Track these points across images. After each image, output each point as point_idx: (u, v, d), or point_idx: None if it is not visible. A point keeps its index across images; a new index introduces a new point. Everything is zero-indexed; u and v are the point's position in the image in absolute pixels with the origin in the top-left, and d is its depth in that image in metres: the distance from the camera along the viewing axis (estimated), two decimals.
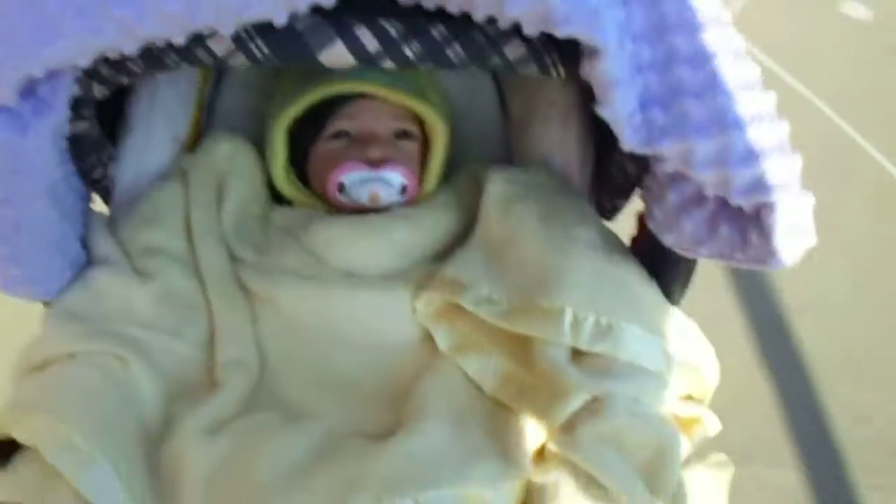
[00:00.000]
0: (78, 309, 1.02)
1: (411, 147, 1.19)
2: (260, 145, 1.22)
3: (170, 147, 1.20)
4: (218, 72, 1.30)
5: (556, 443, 0.93)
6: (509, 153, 1.30)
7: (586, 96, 1.14)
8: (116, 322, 1.01)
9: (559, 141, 1.21)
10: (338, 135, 1.16)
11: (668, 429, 0.94)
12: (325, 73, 1.13)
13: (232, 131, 1.23)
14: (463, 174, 1.20)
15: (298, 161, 1.20)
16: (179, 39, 0.84)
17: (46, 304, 1.06)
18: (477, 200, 1.13)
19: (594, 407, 0.92)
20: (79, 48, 0.84)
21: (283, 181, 1.19)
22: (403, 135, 1.18)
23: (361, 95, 1.15)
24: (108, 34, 0.83)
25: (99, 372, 0.96)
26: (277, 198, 1.22)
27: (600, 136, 1.19)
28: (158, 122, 1.18)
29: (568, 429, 0.92)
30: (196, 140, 1.25)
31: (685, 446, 0.95)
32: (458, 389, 1.00)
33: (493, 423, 0.97)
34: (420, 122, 1.20)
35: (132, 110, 1.17)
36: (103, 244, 1.07)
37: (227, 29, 0.83)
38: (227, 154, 1.18)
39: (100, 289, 1.03)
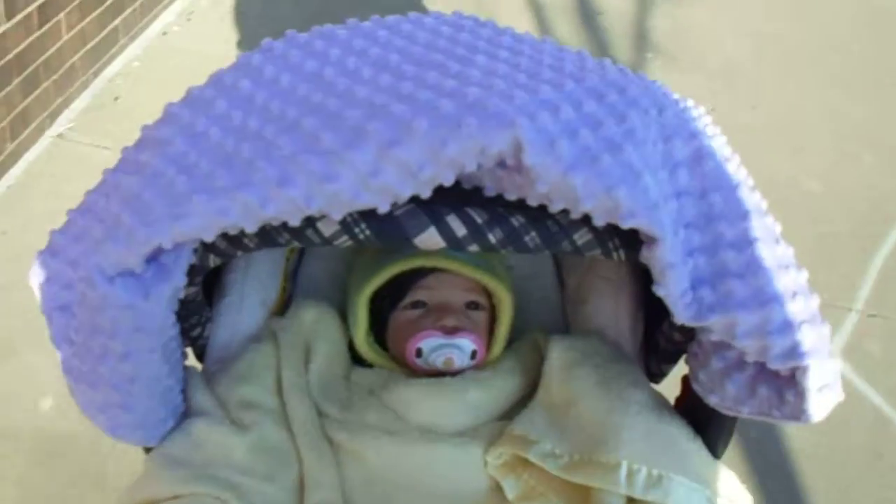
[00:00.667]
0: (180, 455, 1.12)
1: (481, 317, 1.32)
2: (341, 310, 1.35)
3: (259, 311, 1.33)
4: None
5: None
6: (566, 322, 1.44)
7: (637, 273, 1.29)
8: (216, 467, 1.11)
9: (612, 313, 1.35)
10: (415, 304, 1.30)
11: None
12: (402, 249, 1.28)
13: (314, 297, 1.36)
14: (525, 341, 1.34)
15: (378, 327, 1.33)
16: (294, 222, 0.97)
17: (147, 450, 1.16)
18: (537, 365, 1.27)
19: None
20: (206, 225, 0.95)
21: (365, 346, 1.32)
22: (474, 305, 1.31)
23: (436, 269, 1.29)
24: (233, 214, 0.94)
25: None
26: (357, 359, 1.34)
27: (649, 309, 1.33)
28: (251, 289, 1.32)
29: None
30: (282, 305, 1.39)
31: None
32: None
33: None
34: (488, 294, 1.33)
35: (228, 277, 1.31)
36: (202, 397, 1.18)
37: (337, 215, 0.95)
38: (314, 319, 1.31)
39: (200, 437, 1.14)
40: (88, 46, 3.29)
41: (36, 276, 1.09)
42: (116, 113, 3.29)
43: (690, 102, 1.11)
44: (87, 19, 3.23)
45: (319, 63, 1.06)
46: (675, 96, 1.10)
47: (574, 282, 1.44)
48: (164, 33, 3.76)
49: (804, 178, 3.29)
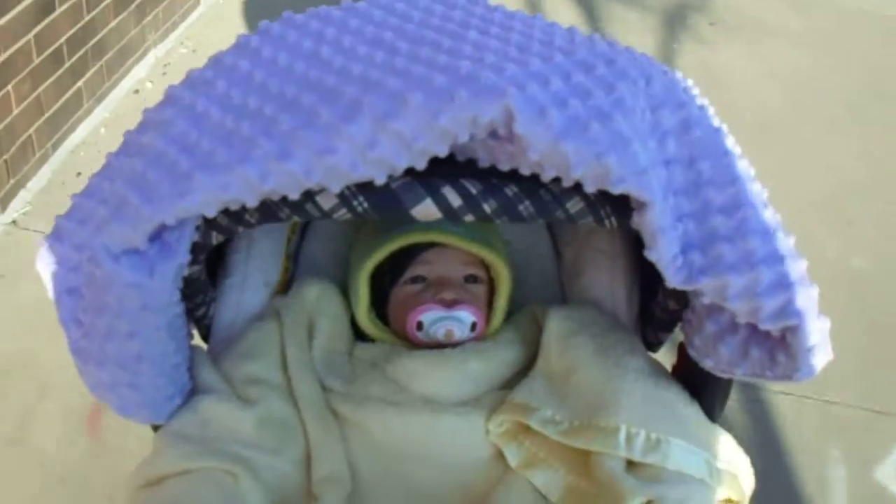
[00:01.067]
0: (188, 431, 1.16)
1: (480, 290, 1.36)
2: (342, 288, 1.39)
3: (263, 291, 1.38)
4: (303, 225, 1.49)
5: None
6: (563, 294, 1.49)
7: (631, 244, 1.33)
8: (224, 442, 1.15)
9: (608, 284, 1.39)
10: (415, 279, 1.34)
11: None
12: (402, 225, 1.33)
13: (318, 276, 1.41)
14: (524, 313, 1.39)
15: (379, 302, 1.37)
16: (294, 195, 1.00)
17: (155, 427, 1.20)
18: (536, 336, 1.31)
19: None
20: (208, 201, 0.99)
21: (367, 321, 1.36)
22: (472, 279, 1.36)
23: (435, 244, 1.33)
24: (234, 189, 0.98)
25: (214, 486, 1.09)
26: (360, 335, 1.39)
27: (644, 279, 1.37)
28: (253, 269, 1.37)
29: None
30: (284, 285, 1.44)
31: None
32: (527, 500, 1.15)
33: None
34: (486, 267, 1.37)
35: (231, 258, 1.36)
36: (208, 375, 1.22)
37: (335, 187, 1.00)
38: (316, 296, 1.36)
39: (207, 413, 1.18)
40: (46, 116, 2.93)
41: (43, 261, 1.12)
42: (79, 190, 2.84)
43: (679, 75, 1.15)
44: (42, 86, 2.87)
45: (315, 42, 1.09)
46: (664, 67, 1.13)
47: (570, 254, 1.48)
48: (136, 91, 3.42)
49: (852, 255, 2.91)
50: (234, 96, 1.05)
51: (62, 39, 2.92)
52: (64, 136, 3.08)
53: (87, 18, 3.05)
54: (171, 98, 1.11)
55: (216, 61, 1.13)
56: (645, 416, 1.14)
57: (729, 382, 1.20)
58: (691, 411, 1.19)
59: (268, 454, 1.16)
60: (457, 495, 1.19)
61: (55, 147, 3.04)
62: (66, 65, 2.99)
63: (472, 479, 1.20)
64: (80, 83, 3.11)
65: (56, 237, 1.13)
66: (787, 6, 4.53)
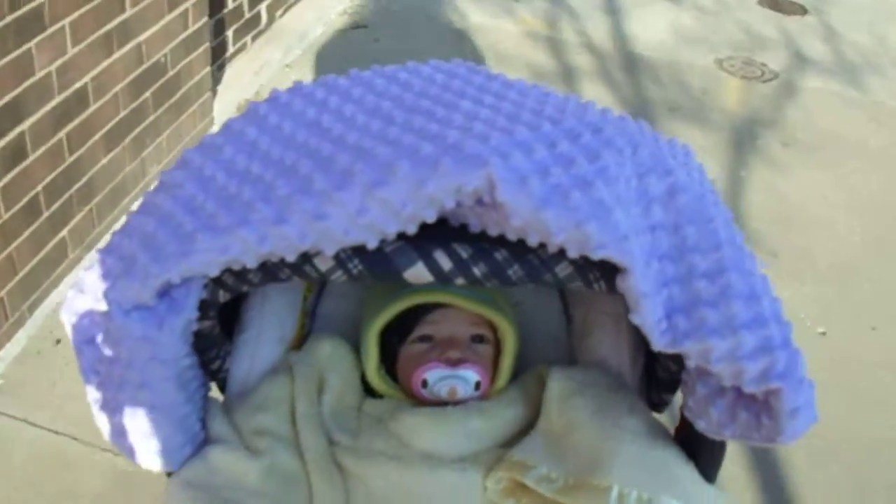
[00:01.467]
0: (196, 479, 1.22)
1: (485, 350, 1.40)
2: (355, 346, 1.44)
3: (277, 347, 1.43)
4: (320, 284, 1.56)
5: None
6: (572, 356, 1.52)
7: None
8: (230, 490, 1.20)
9: (614, 345, 1.43)
10: (422, 338, 1.38)
11: None
12: (411, 286, 1.35)
13: (331, 334, 1.46)
14: (530, 374, 1.42)
15: (388, 360, 1.42)
16: (291, 257, 1.07)
17: (168, 475, 1.26)
18: (540, 396, 1.34)
19: None
20: (210, 261, 1.07)
21: (375, 377, 1.41)
22: (479, 339, 1.39)
23: (442, 305, 1.38)
24: (234, 251, 1.05)
25: None
26: (370, 391, 1.43)
27: (648, 344, 1.38)
28: (268, 325, 1.42)
29: None
30: (300, 341, 1.49)
31: None
32: None
33: None
34: (493, 328, 1.41)
35: (247, 315, 1.42)
36: (220, 426, 1.28)
37: (329, 250, 1.05)
38: (328, 353, 1.41)
39: (216, 462, 1.23)
40: (20, 275, 2.57)
41: (66, 313, 1.19)
42: (58, 361, 2.57)
43: (672, 140, 1.18)
44: (15, 243, 2.51)
45: (318, 111, 1.16)
46: (654, 134, 1.17)
47: (579, 316, 1.51)
48: None
49: None
50: (239, 161, 1.12)
51: (38, 188, 2.58)
52: (43, 295, 2.73)
53: (69, 160, 2.70)
54: (183, 161, 1.18)
55: (227, 127, 1.20)
56: (638, 476, 1.16)
57: (723, 445, 1.22)
58: (686, 471, 1.22)
59: (271, 503, 1.21)
60: None
61: (32, 309, 2.68)
62: (45, 215, 2.64)
63: None
64: (64, 232, 2.76)
65: (79, 289, 1.20)
66: (865, 117, 4.27)
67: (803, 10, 5.39)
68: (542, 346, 1.53)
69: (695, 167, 1.18)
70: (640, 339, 1.39)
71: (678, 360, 1.21)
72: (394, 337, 1.40)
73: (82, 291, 1.20)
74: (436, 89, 1.19)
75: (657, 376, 1.32)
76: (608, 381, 1.35)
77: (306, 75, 4.06)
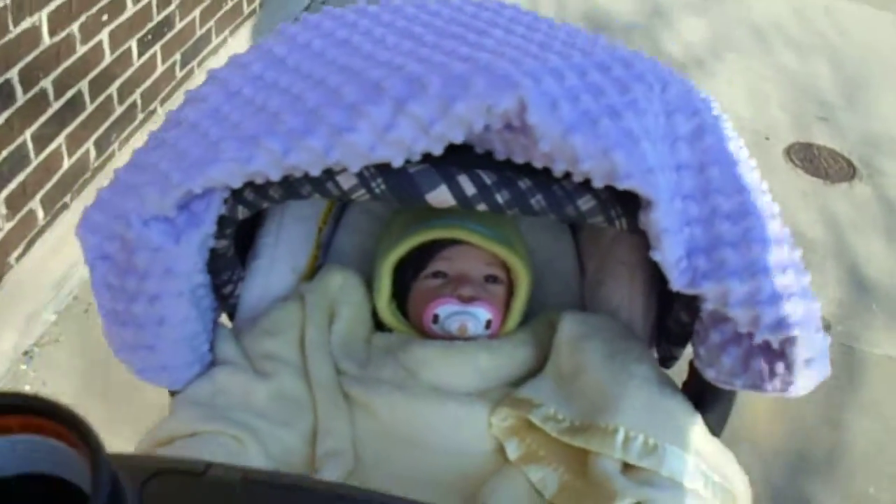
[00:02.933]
0: (202, 398, 1.23)
1: (498, 290, 1.41)
2: (367, 280, 1.46)
3: (289, 277, 1.44)
4: (335, 217, 1.57)
5: None
6: (583, 306, 1.53)
7: (650, 260, 1.37)
8: (235, 410, 1.21)
9: (626, 295, 1.44)
10: (436, 274, 1.40)
11: None
12: (427, 221, 1.39)
13: (344, 266, 1.47)
14: (540, 319, 1.43)
15: (400, 295, 1.43)
16: (315, 172, 1.07)
17: (172, 393, 1.27)
18: (550, 340, 1.36)
19: None
20: (233, 171, 1.06)
21: (387, 312, 1.42)
22: (492, 279, 1.41)
23: (458, 241, 1.39)
24: (258, 161, 1.05)
25: (218, 447, 1.15)
26: (379, 326, 1.45)
27: (661, 295, 1.41)
28: (282, 254, 1.43)
29: None
30: (311, 272, 1.50)
31: None
32: (522, 494, 1.19)
33: None
34: (507, 269, 1.43)
35: (261, 241, 1.43)
36: (228, 348, 1.29)
37: (354, 167, 1.06)
38: (339, 284, 1.42)
39: (222, 383, 1.24)
40: None
41: (82, 229, 1.20)
42: None
43: (696, 86, 1.19)
44: None
45: (349, 31, 1.17)
46: (681, 77, 1.18)
47: (593, 265, 1.53)
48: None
49: None
50: (267, 77, 1.13)
51: None
52: None
53: None
54: (210, 78, 1.19)
55: (256, 47, 1.21)
56: (645, 422, 1.17)
57: (731, 399, 1.24)
58: (693, 422, 1.22)
59: (276, 426, 1.21)
60: (455, 482, 1.22)
61: None
62: None
63: (471, 468, 1.24)
64: None
65: (96, 207, 1.20)
66: None
67: (851, 173, 3.76)
68: (555, 294, 1.55)
69: (719, 116, 1.19)
70: (652, 291, 1.41)
71: (691, 311, 1.22)
72: (407, 272, 1.41)
73: (98, 207, 1.21)
74: (466, 18, 1.20)
75: (668, 329, 1.33)
76: (619, 328, 1.36)
77: None
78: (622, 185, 1.02)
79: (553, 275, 1.56)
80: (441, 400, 1.26)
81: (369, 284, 1.45)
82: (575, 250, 1.59)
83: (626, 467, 1.16)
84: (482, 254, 1.40)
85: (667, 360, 1.38)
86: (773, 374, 1.09)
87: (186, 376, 1.25)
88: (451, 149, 1.06)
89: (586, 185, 1.08)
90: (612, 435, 1.15)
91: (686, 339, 1.30)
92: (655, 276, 1.41)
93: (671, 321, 1.30)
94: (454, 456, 1.25)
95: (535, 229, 1.58)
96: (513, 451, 1.22)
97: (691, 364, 1.26)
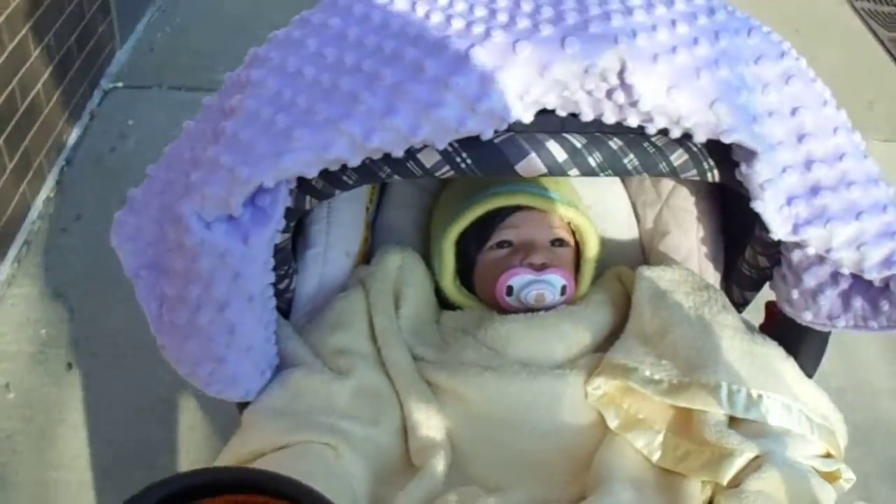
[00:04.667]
0: (280, 405, 1.17)
1: (567, 253, 1.39)
2: (423, 256, 1.41)
3: (344, 262, 1.39)
4: (380, 194, 1.52)
5: (725, 497, 1.08)
6: (645, 257, 1.52)
7: (715, 203, 1.35)
8: (319, 415, 1.15)
9: (693, 243, 1.42)
10: (501, 244, 1.36)
11: (818, 480, 1.10)
12: (486, 189, 1.35)
13: (400, 245, 1.43)
14: (609, 275, 1.41)
15: (463, 270, 1.40)
16: (398, 153, 1.01)
17: (242, 406, 1.20)
18: (624, 298, 1.34)
19: (756, 464, 1.09)
20: (311, 159, 0.99)
21: (452, 288, 1.39)
22: (559, 242, 1.38)
23: (520, 208, 1.35)
24: (337, 147, 0.98)
25: (315, 458, 1.09)
26: (443, 303, 1.41)
27: (728, 238, 1.39)
28: (335, 239, 1.37)
29: (735, 484, 1.09)
30: (365, 255, 1.45)
31: (832, 495, 1.10)
32: (630, 461, 1.17)
33: (665, 486, 1.14)
34: (571, 230, 1.40)
35: (312, 228, 1.37)
36: (297, 348, 1.23)
37: (441, 143, 1.00)
38: (399, 265, 1.38)
39: (299, 387, 1.18)
40: None
41: (118, 236, 1.12)
42: None
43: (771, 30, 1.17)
44: None
45: (409, 1, 1.10)
46: (757, 20, 1.16)
47: (651, 215, 1.50)
48: None
49: None
50: (328, 54, 1.06)
51: None
52: None
53: None
54: (255, 60, 1.11)
55: (302, 21, 1.13)
56: (744, 373, 1.16)
57: (824, 339, 1.23)
58: (787, 366, 1.22)
59: (365, 425, 1.17)
60: (558, 460, 1.20)
61: None
62: None
63: (573, 443, 1.22)
64: None
65: (131, 211, 1.13)
66: None
67: None
68: (615, 248, 1.52)
69: (799, 58, 1.18)
70: (719, 237, 1.40)
71: (770, 255, 1.21)
72: (470, 244, 1.38)
73: (134, 211, 1.13)
74: None
75: (742, 275, 1.31)
76: (696, 280, 1.34)
77: None
78: (727, 139, 1.00)
79: (611, 228, 1.54)
80: (533, 375, 1.23)
81: (427, 262, 1.41)
82: (629, 200, 1.57)
83: (733, 421, 1.15)
84: (546, 217, 1.36)
85: (738, 307, 1.36)
86: (877, 311, 1.09)
87: (259, 384, 1.18)
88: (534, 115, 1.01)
89: (677, 139, 1.05)
90: (715, 391, 1.13)
91: (762, 283, 1.29)
92: (720, 223, 1.40)
93: (746, 266, 1.29)
94: (553, 431, 1.22)
95: (585, 182, 1.55)
96: (613, 419, 1.20)
97: (769, 307, 1.25)
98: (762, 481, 1.07)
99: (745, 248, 1.27)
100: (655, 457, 1.16)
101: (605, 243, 1.49)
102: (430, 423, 1.20)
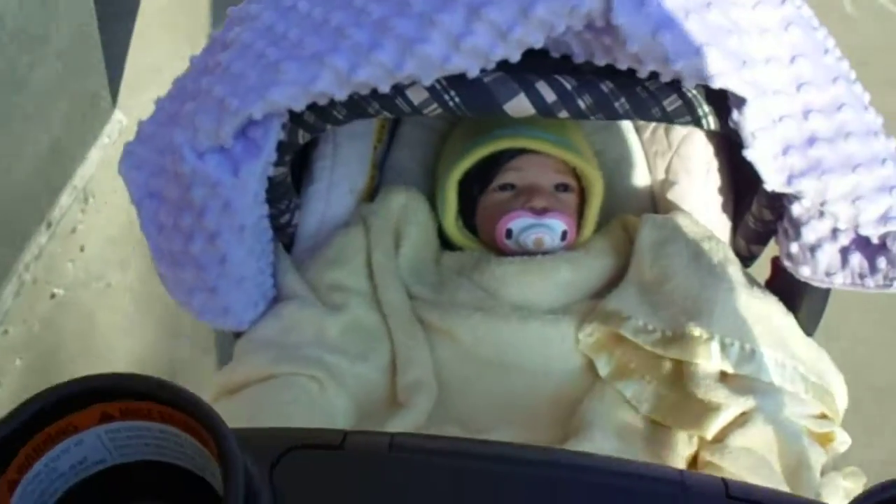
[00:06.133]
0: (272, 337, 1.19)
1: (570, 198, 1.39)
2: (429, 197, 1.43)
3: (348, 199, 1.41)
4: (390, 134, 1.54)
5: (709, 452, 1.09)
6: (655, 206, 1.51)
7: (725, 154, 1.35)
8: (309, 347, 1.17)
9: (702, 193, 1.42)
10: (504, 187, 1.37)
11: (806, 440, 1.11)
12: (490, 131, 1.36)
13: (405, 185, 1.45)
14: (613, 224, 1.42)
15: (466, 211, 1.41)
16: (384, 88, 1.03)
17: (237, 334, 1.24)
18: (627, 246, 1.34)
19: (742, 420, 1.10)
20: (296, 93, 1.02)
21: (454, 229, 1.41)
22: (563, 187, 1.38)
23: (525, 151, 1.36)
24: (323, 81, 1.00)
25: (298, 390, 1.12)
26: (446, 244, 1.43)
27: (737, 191, 1.39)
28: (339, 176, 1.39)
29: (719, 439, 1.09)
30: (370, 193, 1.47)
31: (822, 457, 1.10)
32: (617, 410, 1.17)
33: (650, 437, 1.15)
34: (577, 176, 1.40)
35: (316, 164, 1.39)
36: (293, 281, 1.25)
37: (427, 79, 1.02)
38: (403, 204, 1.39)
39: (291, 319, 1.21)
40: None
41: (125, 166, 1.16)
42: None
43: None
44: None
45: None
46: None
47: (662, 165, 1.50)
48: None
49: None
50: None
51: None
52: None
53: None
54: None
55: None
56: (739, 327, 1.16)
57: (825, 297, 1.22)
58: (786, 323, 1.21)
59: (353, 360, 1.18)
60: (545, 404, 1.21)
61: None
62: None
63: (561, 388, 1.22)
64: None
65: (139, 140, 1.16)
66: None
67: None
68: (625, 196, 1.52)
69: (802, 5, 1.16)
70: (729, 189, 1.39)
71: (774, 208, 1.20)
72: (473, 186, 1.39)
73: (141, 141, 1.16)
74: None
75: (749, 228, 1.31)
76: (700, 230, 1.33)
77: None
78: (715, 85, 1.00)
79: (621, 176, 1.54)
80: (524, 318, 1.24)
81: (432, 202, 1.42)
82: (641, 149, 1.56)
83: (724, 375, 1.15)
84: (551, 162, 1.37)
85: (746, 261, 1.36)
86: (874, 269, 1.08)
87: (252, 315, 1.21)
88: (525, 54, 1.02)
89: (671, 84, 1.05)
90: (707, 343, 1.14)
91: (768, 237, 1.28)
92: (731, 174, 1.40)
93: (752, 220, 1.28)
94: (542, 376, 1.23)
95: (599, 129, 1.55)
96: (603, 367, 1.21)
97: (774, 262, 1.25)
98: (747, 437, 1.08)
99: (752, 200, 1.26)
100: (643, 407, 1.17)
101: (616, 191, 1.50)
102: (418, 361, 1.21)
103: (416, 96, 1.07)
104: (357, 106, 1.08)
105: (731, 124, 1.05)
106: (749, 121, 1.02)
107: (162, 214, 1.13)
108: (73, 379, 0.55)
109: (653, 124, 1.52)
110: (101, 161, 2.62)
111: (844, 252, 1.11)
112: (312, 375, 1.14)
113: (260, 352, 1.17)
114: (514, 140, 1.35)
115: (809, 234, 1.12)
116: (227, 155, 1.07)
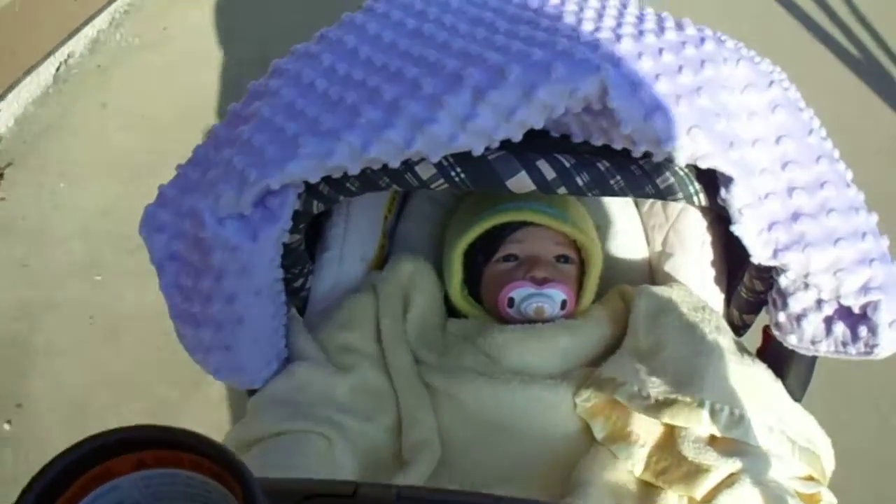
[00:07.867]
0: (284, 396, 1.27)
1: (570, 269, 1.48)
2: (436, 267, 1.52)
3: (359, 266, 1.50)
4: (399, 206, 1.64)
5: None
6: (652, 278, 1.60)
7: (719, 229, 1.45)
8: (319, 407, 1.25)
9: (697, 265, 1.51)
10: (507, 257, 1.47)
11: (792, 501, 1.17)
12: (495, 205, 1.45)
13: (413, 254, 1.54)
14: (612, 293, 1.50)
15: (472, 280, 1.50)
16: (395, 164, 1.12)
17: (251, 392, 1.32)
18: (624, 315, 1.42)
19: (730, 481, 1.16)
20: (312, 166, 1.10)
21: (459, 297, 1.50)
22: (563, 259, 1.48)
23: (527, 224, 1.46)
24: (338, 156, 1.08)
25: (308, 446, 1.19)
26: (452, 312, 1.51)
27: (730, 263, 1.48)
28: (351, 244, 1.49)
29: (708, 500, 1.16)
30: (380, 261, 1.56)
31: None
32: (612, 471, 1.24)
33: (643, 497, 1.22)
34: (577, 248, 1.50)
35: (330, 233, 1.48)
36: (305, 343, 1.34)
37: (434, 157, 1.11)
38: (410, 272, 1.48)
39: (303, 379, 1.29)
40: None
41: (146, 228, 1.24)
42: None
43: (768, 61, 1.26)
44: None
45: (418, 21, 1.22)
46: (750, 52, 1.24)
47: (659, 238, 1.60)
48: None
49: None
50: (339, 69, 1.18)
51: None
52: None
53: None
54: (276, 70, 1.24)
55: (322, 37, 1.26)
56: (729, 393, 1.23)
57: (812, 364, 1.30)
58: (775, 389, 1.29)
59: (360, 420, 1.26)
60: (544, 465, 1.28)
61: None
62: None
63: (559, 449, 1.29)
64: None
65: (160, 204, 1.25)
66: None
67: None
68: (623, 267, 1.61)
69: (789, 87, 1.26)
70: (723, 261, 1.48)
71: (764, 280, 1.28)
72: (478, 256, 1.47)
73: (163, 206, 1.25)
74: (537, 2, 1.26)
75: (741, 298, 1.39)
76: (694, 300, 1.41)
77: None
78: (704, 164, 1.09)
79: (620, 248, 1.63)
80: (525, 384, 1.31)
81: (439, 272, 1.51)
82: (640, 222, 1.66)
83: (713, 439, 1.21)
84: (552, 234, 1.46)
85: (739, 329, 1.44)
86: (856, 337, 1.16)
87: (265, 374, 1.29)
88: (527, 133, 1.11)
89: (663, 163, 1.15)
90: (698, 409, 1.20)
91: (759, 307, 1.36)
92: (725, 246, 1.48)
93: (744, 290, 1.36)
94: (542, 439, 1.30)
95: (599, 203, 1.64)
96: (599, 431, 1.28)
97: (765, 331, 1.33)
98: (734, 498, 1.13)
99: (744, 272, 1.34)
100: (637, 470, 1.23)
101: (615, 263, 1.59)
102: (423, 422, 1.29)
103: (425, 172, 1.16)
104: (369, 179, 1.17)
105: (719, 201, 1.14)
106: (736, 198, 1.11)
107: (182, 276, 1.22)
108: (114, 429, 0.62)
109: (650, 199, 1.61)
110: None
111: (828, 321, 1.19)
112: (322, 433, 1.21)
113: (273, 409, 1.25)
114: (517, 213, 1.45)
115: (795, 305, 1.21)
116: (246, 222, 1.15)
